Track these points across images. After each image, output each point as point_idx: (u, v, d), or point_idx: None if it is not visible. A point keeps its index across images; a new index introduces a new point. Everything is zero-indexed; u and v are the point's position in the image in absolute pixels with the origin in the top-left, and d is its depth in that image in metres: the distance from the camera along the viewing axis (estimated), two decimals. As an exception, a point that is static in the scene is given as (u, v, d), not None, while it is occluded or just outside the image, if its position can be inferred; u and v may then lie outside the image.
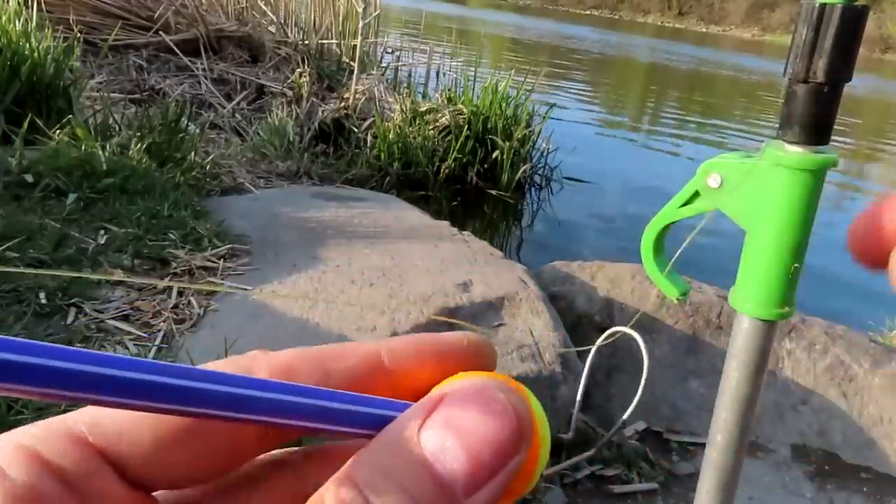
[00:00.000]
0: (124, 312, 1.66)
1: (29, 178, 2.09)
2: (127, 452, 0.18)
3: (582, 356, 1.78)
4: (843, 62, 0.43)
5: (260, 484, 0.21)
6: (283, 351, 0.20)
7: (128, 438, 0.18)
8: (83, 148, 2.30)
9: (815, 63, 0.43)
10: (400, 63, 5.65)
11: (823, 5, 0.41)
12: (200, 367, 0.18)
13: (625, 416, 0.22)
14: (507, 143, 3.88)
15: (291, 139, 3.61)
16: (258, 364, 0.20)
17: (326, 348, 0.21)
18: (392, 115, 4.00)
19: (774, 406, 1.93)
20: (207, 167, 2.77)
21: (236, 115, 4.10)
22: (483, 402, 0.17)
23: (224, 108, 4.11)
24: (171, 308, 1.70)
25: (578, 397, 0.24)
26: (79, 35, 3.43)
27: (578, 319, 2.06)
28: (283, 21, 5.05)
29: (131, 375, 0.16)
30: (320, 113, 4.05)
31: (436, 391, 0.18)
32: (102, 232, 1.96)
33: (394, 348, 0.21)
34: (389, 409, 0.18)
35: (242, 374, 0.19)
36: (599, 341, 0.24)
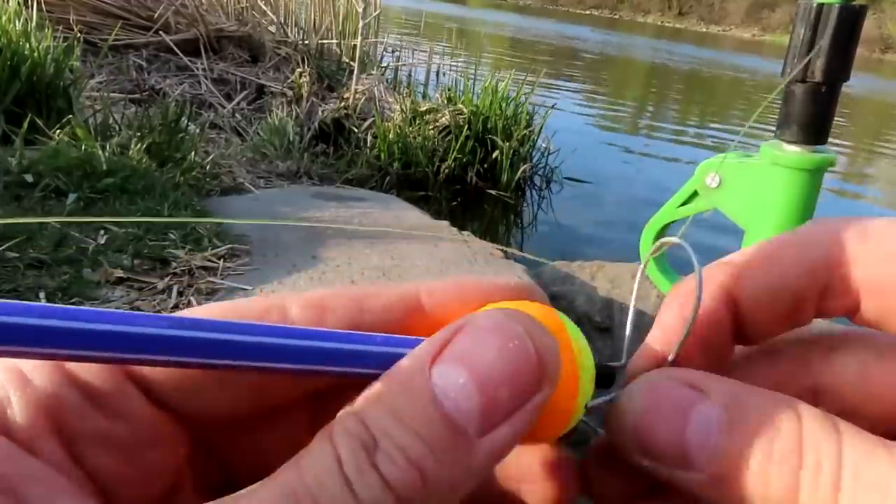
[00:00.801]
0: (124, 312, 1.66)
1: (29, 177, 2.09)
2: (152, 373, 0.18)
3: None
4: (840, 62, 0.43)
5: (284, 414, 0.20)
6: (316, 291, 0.20)
7: None
8: (83, 148, 2.30)
9: (812, 63, 0.43)
10: (400, 63, 5.65)
11: (821, 5, 0.41)
12: (229, 303, 0.18)
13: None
14: (507, 144, 3.88)
15: (291, 139, 3.61)
16: (290, 300, 0.19)
17: (361, 287, 0.20)
18: (392, 115, 4.00)
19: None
20: (207, 167, 2.77)
21: (236, 115, 4.10)
22: (501, 336, 0.16)
23: (224, 108, 4.11)
24: (171, 308, 1.70)
25: (630, 319, 0.23)
26: (79, 35, 3.43)
27: (578, 319, 2.06)
28: (283, 21, 5.05)
29: (136, 331, 0.15)
30: (320, 113, 4.05)
31: (457, 322, 0.17)
32: (102, 232, 1.96)
33: (434, 288, 0.20)
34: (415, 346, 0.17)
35: (276, 309, 0.19)
36: (648, 255, 0.24)
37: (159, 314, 0.16)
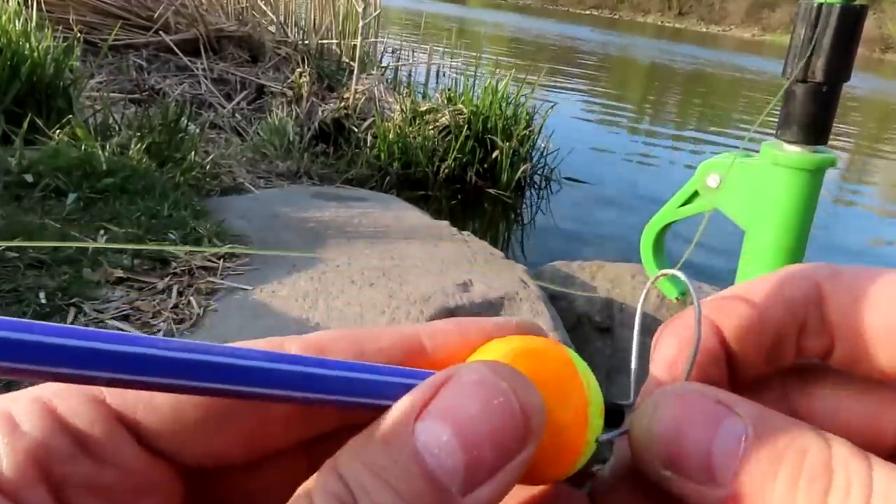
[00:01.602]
0: (124, 312, 1.66)
1: (29, 177, 2.09)
2: (146, 419, 0.18)
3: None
4: (841, 62, 0.43)
5: (280, 459, 0.20)
6: (316, 332, 0.20)
7: (148, 405, 0.18)
8: (83, 148, 2.30)
9: (813, 63, 0.43)
10: (400, 63, 5.65)
11: (821, 5, 0.41)
12: (235, 344, 0.18)
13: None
14: (507, 143, 3.88)
15: (291, 139, 3.61)
16: (289, 342, 0.19)
17: (362, 329, 0.20)
18: (392, 115, 4.00)
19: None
20: (207, 167, 2.77)
21: (236, 114, 4.10)
22: (485, 392, 0.16)
23: (224, 107, 4.11)
24: (171, 308, 1.70)
25: (634, 355, 0.23)
26: (79, 35, 3.42)
27: (578, 319, 2.06)
28: (283, 21, 5.05)
29: (138, 351, 0.15)
30: (320, 113, 4.05)
31: (441, 373, 0.17)
32: (102, 232, 1.96)
33: (435, 330, 0.20)
34: (419, 378, 0.17)
35: (275, 349, 0.18)
36: (648, 284, 0.24)
37: (160, 338, 0.16)
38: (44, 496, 0.16)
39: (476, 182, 3.92)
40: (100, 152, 2.29)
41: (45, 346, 0.14)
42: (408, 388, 0.17)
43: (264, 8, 4.97)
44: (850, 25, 0.41)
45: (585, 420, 0.18)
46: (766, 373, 0.22)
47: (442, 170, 3.82)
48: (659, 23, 55.92)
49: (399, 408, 0.16)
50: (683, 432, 0.18)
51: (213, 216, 2.29)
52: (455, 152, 3.81)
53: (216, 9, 4.86)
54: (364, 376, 0.17)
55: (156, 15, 4.36)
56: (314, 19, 5.07)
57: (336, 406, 0.17)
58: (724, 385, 0.21)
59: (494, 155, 3.93)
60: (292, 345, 0.19)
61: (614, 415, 0.20)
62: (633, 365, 0.22)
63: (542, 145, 4.31)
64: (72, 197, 2.07)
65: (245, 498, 0.20)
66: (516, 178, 3.96)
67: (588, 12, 56.55)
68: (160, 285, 1.78)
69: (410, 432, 0.16)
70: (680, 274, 0.23)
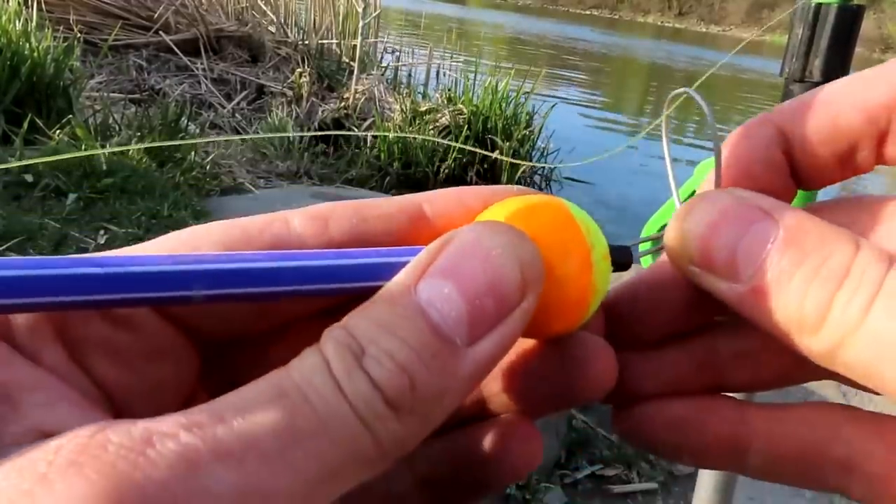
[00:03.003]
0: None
1: (29, 177, 2.09)
2: None
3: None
4: (839, 61, 0.43)
5: (295, 330, 0.20)
6: (318, 204, 0.20)
7: None
8: (83, 148, 2.30)
9: (811, 62, 0.43)
10: (400, 63, 5.65)
11: (819, 5, 0.41)
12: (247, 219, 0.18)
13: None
14: (507, 144, 3.89)
15: (291, 139, 3.61)
16: (292, 214, 0.19)
17: (363, 200, 0.20)
18: (392, 115, 4.00)
19: (774, 406, 1.93)
20: (207, 167, 2.77)
21: (236, 115, 4.11)
22: (481, 248, 0.16)
23: (224, 108, 4.11)
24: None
25: (668, 167, 0.24)
26: (79, 35, 3.43)
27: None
28: (283, 21, 5.05)
29: (138, 270, 0.15)
30: (320, 113, 4.05)
31: (440, 238, 0.17)
32: (102, 232, 1.96)
33: (435, 197, 0.20)
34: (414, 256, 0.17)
35: (279, 221, 0.19)
36: (666, 109, 0.24)
37: (156, 255, 0.16)
38: (59, 354, 0.17)
39: (476, 182, 3.92)
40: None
41: (32, 278, 0.14)
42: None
43: (264, 8, 4.97)
44: (847, 25, 0.41)
45: (590, 265, 0.19)
46: (844, 177, 0.21)
47: (442, 170, 3.82)
48: (659, 23, 55.92)
49: (402, 272, 0.17)
50: (714, 231, 0.18)
51: (213, 216, 2.29)
52: (455, 152, 3.81)
53: (216, 9, 4.86)
54: (369, 260, 0.17)
55: (156, 15, 4.36)
56: (314, 19, 5.07)
57: (347, 293, 0.17)
58: (783, 193, 0.21)
59: (494, 155, 3.93)
60: (294, 217, 0.19)
61: (622, 256, 0.20)
62: (670, 177, 0.23)
63: (542, 145, 4.31)
64: (72, 197, 2.07)
65: (262, 372, 0.21)
66: (516, 178, 3.96)
67: (588, 12, 56.58)
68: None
69: (413, 290, 0.16)
70: (694, 93, 0.23)
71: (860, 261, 0.16)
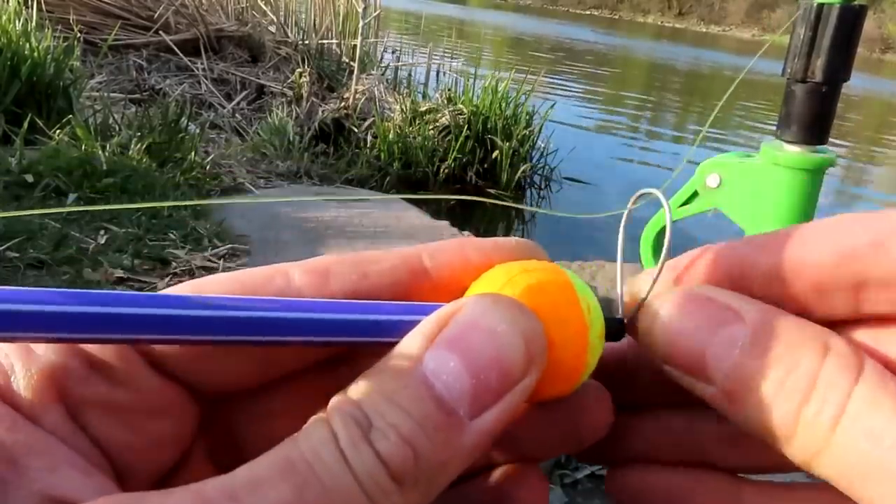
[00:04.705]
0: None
1: (29, 178, 2.09)
2: (159, 346, 0.18)
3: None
4: (841, 62, 0.43)
5: (292, 384, 0.21)
6: (318, 257, 0.20)
7: None
8: (83, 148, 2.30)
9: (813, 63, 0.43)
10: (400, 63, 5.65)
11: (821, 5, 0.41)
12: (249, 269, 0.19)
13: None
14: (507, 143, 3.88)
15: (291, 139, 3.61)
16: (293, 267, 0.20)
17: (364, 253, 0.20)
18: (392, 115, 4.00)
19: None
20: (207, 167, 2.77)
21: (236, 115, 4.11)
22: (488, 323, 0.17)
23: (224, 108, 4.11)
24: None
25: (619, 270, 0.23)
26: (79, 35, 3.43)
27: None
28: (283, 21, 5.05)
29: (144, 312, 0.16)
30: (320, 113, 4.05)
31: (447, 307, 0.18)
32: (102, 232, 1.96)
33: (436, 250, 0.20)
34: (423, 313, 0.18)
35: (280, 275, 0.19)
36: (630, 205, 0.24)
37: (168, 294, 0.17)
38: (59, 416, 0.17)
39: (476, 182, 3.92)
40: (100, 152, 2.29)
41: (41, 314, 0.15)
42: (415, 323, 0.18)
43: (264, 8, 4.97)
44: (849, 25, 0.41)
45: (586, 345, 0.19)
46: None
47: (442, 170, 3.82)
48: (659, 23, 55.93)
49: (409, 339, 0.17)
50: (680, 333, 0.18)
51: (213, 216, 2.29)
52: (455, 152, 3.81)
53: (216, 9, 4.86)
54: (373, 317, 0.18)
55: (156, 15, 4.36)
56: (314, 19, 5.07)
57: (349, 346, 0.18)
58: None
59: (494, 155, 3.93)
60: (295, 270, 0.19)
61: (616, 328, 0.21)
62: (619, 280, 0.23)
63: (542, 145, 4.31)
64: (72, 197, 2.07)
65: (259, 425, 0.21)
66: (516, 178, 3.96)
67: (588, 12, 56.57)
68: (160, 285, 1.78)
69: (420, 360, 0.16)
70: (658, 192, 0.23)
71: (827, 370, 0.16)
